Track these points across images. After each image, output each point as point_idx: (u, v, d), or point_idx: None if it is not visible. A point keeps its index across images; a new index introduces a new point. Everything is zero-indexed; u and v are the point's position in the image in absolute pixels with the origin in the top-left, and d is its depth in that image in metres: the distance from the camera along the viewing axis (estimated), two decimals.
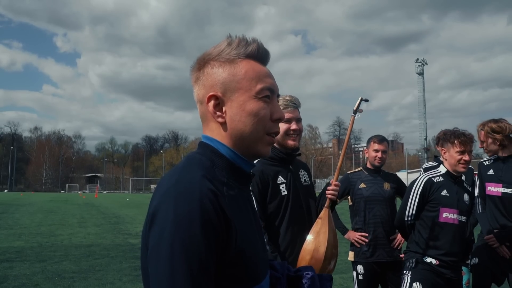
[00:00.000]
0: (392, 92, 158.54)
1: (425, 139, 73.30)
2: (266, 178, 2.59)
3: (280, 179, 2.63)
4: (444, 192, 3.34)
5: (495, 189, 3.89)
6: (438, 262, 3.30)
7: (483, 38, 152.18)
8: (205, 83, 1.14)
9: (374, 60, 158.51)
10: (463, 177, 3.96)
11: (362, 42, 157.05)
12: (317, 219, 2.53)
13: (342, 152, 2.96)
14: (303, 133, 2.87)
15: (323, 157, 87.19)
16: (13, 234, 12.59)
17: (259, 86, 1.15)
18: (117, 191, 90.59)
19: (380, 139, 4.19)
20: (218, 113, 1.13)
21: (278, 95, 1.22)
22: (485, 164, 4.05)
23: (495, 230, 3.78)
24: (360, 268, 4.02)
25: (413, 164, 67.64)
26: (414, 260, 3.37)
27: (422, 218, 3.39)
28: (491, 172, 3.96)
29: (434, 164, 4.51)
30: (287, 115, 2.65)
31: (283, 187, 2.62)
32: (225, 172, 1.11)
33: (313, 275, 1.36)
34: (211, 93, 1.13)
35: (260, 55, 1.18)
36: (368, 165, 4.24)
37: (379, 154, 4.13)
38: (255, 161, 2.59)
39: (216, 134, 1.15)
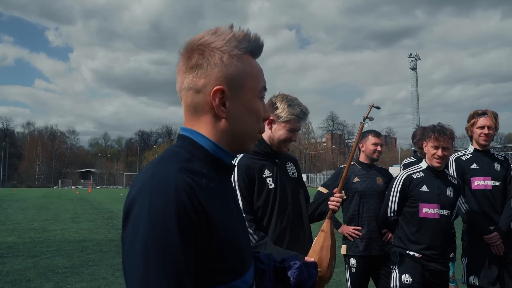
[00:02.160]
0: (385, 87, 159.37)
1: None
2: (252, 172, 2.57)
3: (266, 172, 2.62)
4: (424, 188, 3.37)
5: (484, 182, 3.81)
6: (420, 256, 3.34)
7: (476, 33, 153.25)
8: (208, 72, 1.08)
9: (368, 55, 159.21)
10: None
11: (355, 37, 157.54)
12: (320, 232, 2.43)
13: (347, 162, 2.87)
14: None
15: (317, 152, 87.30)
16: (5, 230, 12.52)
17: (260, 85, 1.15)
18: (110, 186, 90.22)
19: (378, 133, 4.23)
20: (222, 107, 1.09)
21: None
22: (464, 158, 3.96)
23: (492, 227, 3.71)
24: (352, 261, 4.04)
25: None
26: (398, 253, 3.42)
27: (404, 213, 3.44)
28: (474, 166, 3.86)
29: (413, 160, 4.52)
30: (295, 126, 2.64)
31: (269, 181, 2.60)
32: (205, 163, 1.08)
33: (300, 264, 1.36)
34: (219, 87, 1.07)
35: (259, 52, 1.17)
36: (362, 159, 4.25)
37: (378, 148, 4.15)
38: (240, 155, 2.60)
39: (210, 128, 1.11)
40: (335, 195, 2.68)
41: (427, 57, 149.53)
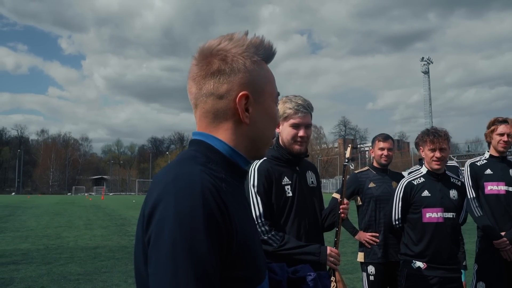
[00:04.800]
0: (398, 91, 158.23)
1: None
2: (271, 177, 2.53)
3: (286, 180, 2.57)
4: (426, 193, 3.36)
5: (498, 187, 3.83)
6: (426, 266, 3.29)
7: (490, 35, 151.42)
8: (232, 78, 1.07)
9: (380, 59, 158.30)
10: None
11: (367, 41, 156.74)
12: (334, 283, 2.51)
13: (342, 200, 2.80)
14: None
15: (329, 157, 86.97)
16: (20, 237, 12.63)
17: (276, 91, 1.17)
18: (123, 193, 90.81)
19: (385, 137, 4.17)
20: (246, 113, 1.09)
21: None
22: (478, 164, 3.99)
23: (503, 233, 3.71)
24: (371, 269, 3.97)
25: None
26: (405, 273, 3.37)
27: (409, 220, 3.43)
28: (489, 171, 3.90)
29: (418, 168, 4.44)
30: (296, 120, 2.57)
31: (288, 188, 2.55)
32: (222, 168, 1.07)
33: (315, 276, 1.33)
34: (245, 92, 1.07)
35: (272, 59, 1.17)
36: (375, 164, 4.21)
37: (385, 152, 4.11)
38: (261, 160, 2.58)
39: (230, 133, 1.10)
40: (344, 202, 2.72)
41: (440, 60, 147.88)
